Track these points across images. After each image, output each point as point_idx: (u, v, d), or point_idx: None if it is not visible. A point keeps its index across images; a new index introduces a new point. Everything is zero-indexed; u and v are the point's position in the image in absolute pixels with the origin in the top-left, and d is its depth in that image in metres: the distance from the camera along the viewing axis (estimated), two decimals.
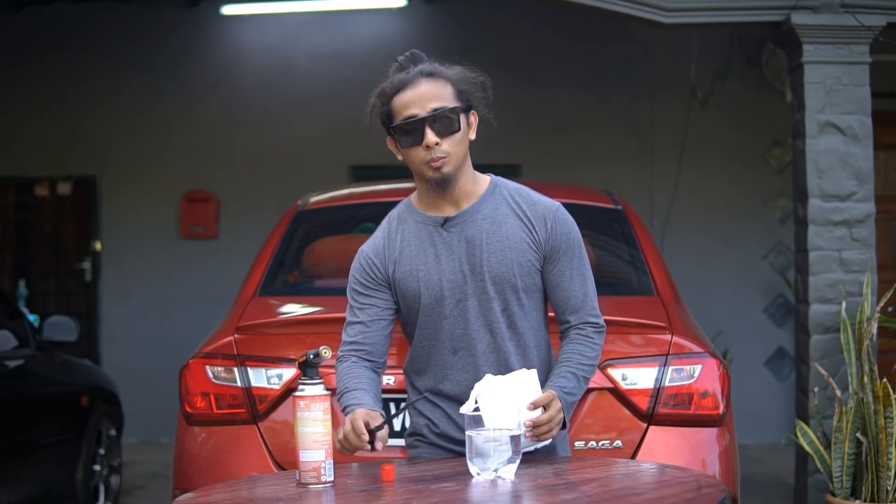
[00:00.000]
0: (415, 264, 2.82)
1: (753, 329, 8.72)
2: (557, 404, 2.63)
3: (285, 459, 3.67)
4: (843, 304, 5.42)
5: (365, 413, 2.65)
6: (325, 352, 2.54)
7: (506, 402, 2.57)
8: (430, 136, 2.71)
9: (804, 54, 5.65)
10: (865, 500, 4.97)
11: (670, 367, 3.73)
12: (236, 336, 3.88)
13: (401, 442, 3.67)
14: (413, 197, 2.92)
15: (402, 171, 8.88)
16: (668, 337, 3.77)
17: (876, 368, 5.13)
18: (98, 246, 9.37)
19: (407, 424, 3.73)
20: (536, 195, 2.88)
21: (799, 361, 5.86)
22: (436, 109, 2.72)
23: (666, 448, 3.67)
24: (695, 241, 8.77)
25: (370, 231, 4.93)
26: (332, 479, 2.47)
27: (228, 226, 9.19)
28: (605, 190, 5.01)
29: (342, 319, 3.98)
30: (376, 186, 5.56)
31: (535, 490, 2.41)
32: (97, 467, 6.23)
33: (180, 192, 9.24)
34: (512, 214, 2.82)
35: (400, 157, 2.83)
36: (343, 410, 2.77)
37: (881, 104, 6.23)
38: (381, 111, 2.80)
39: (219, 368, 3.83)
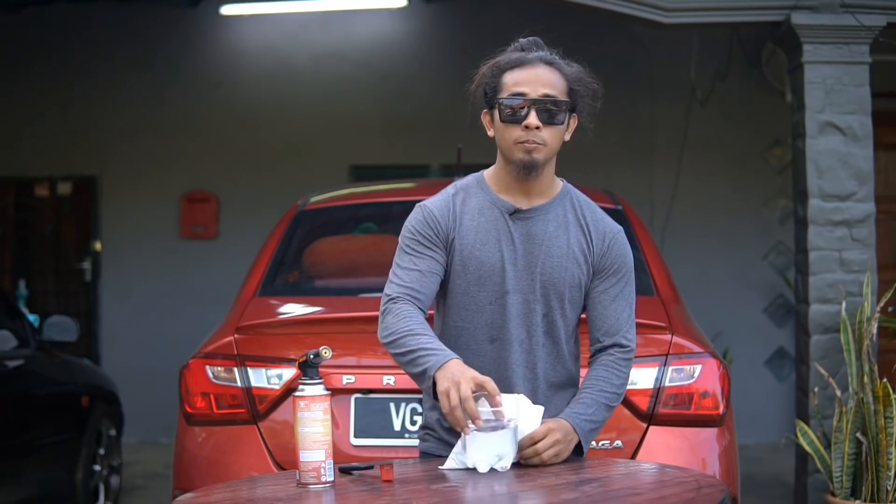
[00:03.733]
0: (473, 240, 2.76)
1: (753, 329, 8.72)
2: (552, 438, 2.59)
3: (285, 459, 3.67)
4: (844, 304, 5.42)
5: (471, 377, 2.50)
6: (326, 352, 2.53)
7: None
8: (533, 119, 2.67)
9: (804, 54, 5.65)
10: (866, 501, 4.97)
11: (670, 367, 3.73)
12: (236, 336, 3.88)
13: (401, 442, 3.68)
14: (487, 174, 2.85)
15: (401, 171, 8.84)
16: (668, 337, 3.77)
17: (876, 368, 5.14)
18: (98, 246, 9.36)
19: (407, 424, 3.75)
20: (602, 213, 2.87)
21: (799, 361, 5.86)
22: (546, 95, 2.69)
23: (666, 448, 3.68)
24: (695, 241, 8.77)
25: (370, 231, 4.97)
26: (331, 479, 2.46)
27: (228, 226, 9.19)
28: (606, 190, 5.01)
29: (342, 319, 4.00)
30: (376, 186, 5.57)
31: (536, 490, 2.41)
32: (97, 467, 6.23)
33: (180, 192, 9.24)
34: (576, 224, 2.79)
35: (491, 133, 2.78)
36: (415, 358, 2.60)
37: (881, 104, 6.23)
38: (488, 81, 2.74)
39: (219, 368, 3.83)
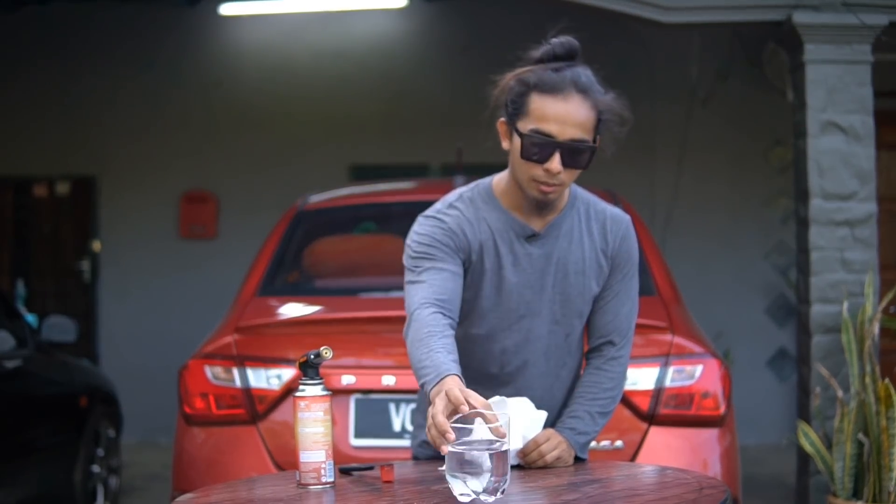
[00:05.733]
0: (494, 263, 2.58)
1: (754, 329, 8.71)
2: (555, 441, 2.55)
3: (284, 460, 3.66)
4: (845, 305, 5.40)
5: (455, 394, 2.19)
6: (326, 352, 2.51)
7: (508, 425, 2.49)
8: (556, 164, 2.46)
9: (806, 53, 5.63)
10: (867, 502, 4.96)
11: (671, 368, 3.73)
12: (236, 336, 3.88)
13: (401, 443, 3.67)
14: (496, 186, 2.63)
15: (401, 171, 8.82)
16: (668, 337, 3.77)
17: (878, 369, 5.12)
18: (97, 246, 9.36)
19: (406, 425, 3.73)
20: (605, 205, 2.70)
21: (800, 362, 5.85)
22: (574, 140, 2.47)
23: (667, 448, 3.67)
24: (696, 241, 8.76)
25: (370, 231, 4.96)
26: (332, 479, 2.45)
27: (228, 225, 9.18)
28: (607, 190, 4.99)
29: (342, 319, 4.00)
30: (376, 186, 5.56)
31: (537, 490, 2.40)
32: (96, 468, 6.21)
33: (180, 192, 9.23)
34: (587, 232, 2.64)
35: (505, 146, 2.56)
36: (418, 370, 2.39)
37: (883, 103, 6.22)
38: (513, 97, 2.51)
39: (218, 369, 3.82)
